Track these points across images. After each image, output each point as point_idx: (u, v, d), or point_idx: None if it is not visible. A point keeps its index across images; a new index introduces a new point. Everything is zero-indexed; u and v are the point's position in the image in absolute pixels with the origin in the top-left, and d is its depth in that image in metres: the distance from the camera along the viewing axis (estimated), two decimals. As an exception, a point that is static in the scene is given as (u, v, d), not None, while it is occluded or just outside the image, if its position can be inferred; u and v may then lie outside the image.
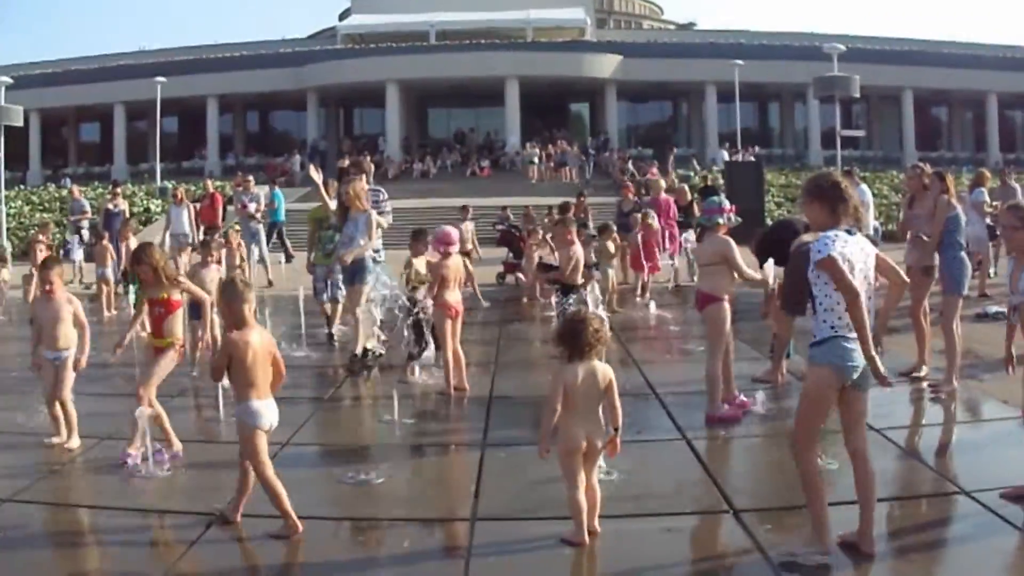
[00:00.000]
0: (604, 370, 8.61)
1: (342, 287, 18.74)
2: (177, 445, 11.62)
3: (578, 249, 19.77)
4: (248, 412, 8.97)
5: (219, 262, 19.61)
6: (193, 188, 47.15)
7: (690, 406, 13.21)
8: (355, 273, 17.13)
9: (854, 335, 7.75)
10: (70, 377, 12.32)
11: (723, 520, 9.19)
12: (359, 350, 16.87)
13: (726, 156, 67.22)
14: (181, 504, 10.04)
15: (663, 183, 33.43)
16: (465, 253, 23.44)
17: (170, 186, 49.32)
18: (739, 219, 13.81)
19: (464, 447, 12.17)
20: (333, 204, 18.35)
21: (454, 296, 15.31)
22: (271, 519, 9.01)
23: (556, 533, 8.65)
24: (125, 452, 11.36)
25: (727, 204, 13.71)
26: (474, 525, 9.18)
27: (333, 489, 10.61)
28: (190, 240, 30.32)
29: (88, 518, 10.04)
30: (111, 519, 9.74)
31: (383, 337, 17.48)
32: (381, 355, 17.11)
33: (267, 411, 9.03)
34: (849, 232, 7.99)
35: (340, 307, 19.82)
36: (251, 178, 36.84)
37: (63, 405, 12.21)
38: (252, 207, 32.90)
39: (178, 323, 11.90)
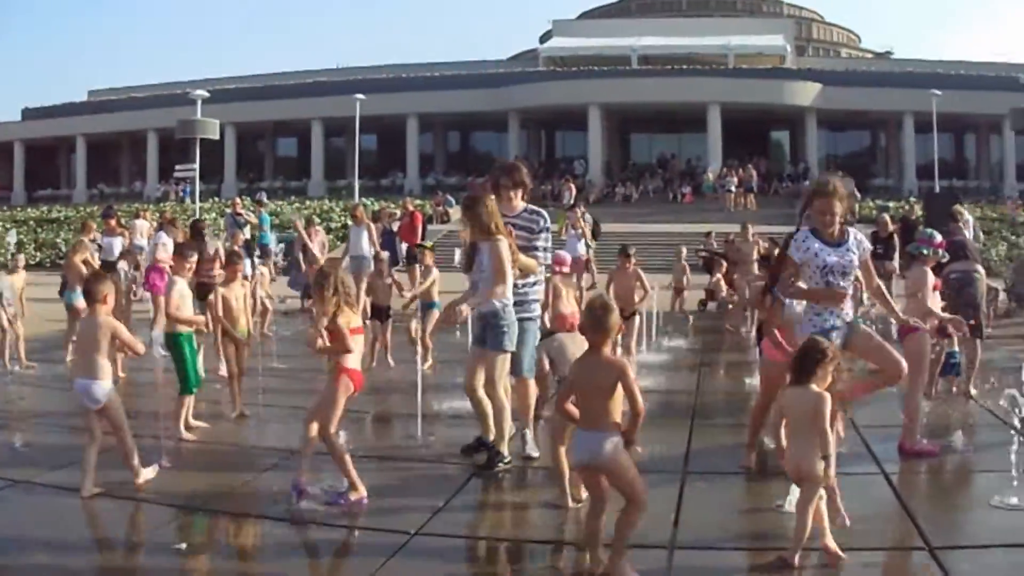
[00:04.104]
0: (813, 397, 8.62)
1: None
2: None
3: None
4: None
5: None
6: (392, 206, 46.46)
7: (889, 439, 12.91)
8: (486, 330, 12.03)
9: None
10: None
11: (917, 556, 9.06)
12: (490, 435, 12.20)
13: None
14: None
15: None
16: None
17: (367, 203, 49.17)
18: (945, 254, 14.52)
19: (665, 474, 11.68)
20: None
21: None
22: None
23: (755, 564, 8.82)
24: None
25: (938, 239, 14.22)
26: (672, 553, 9.08)
27: (549, 514, 10.45)
28: (369, 263, 28.55)
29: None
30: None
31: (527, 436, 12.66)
32: (509, 463, 12.09)
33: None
34: None
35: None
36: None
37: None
38: None
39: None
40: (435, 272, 20.72)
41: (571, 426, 9.50)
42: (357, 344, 10.94)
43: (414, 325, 19.87)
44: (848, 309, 10.77)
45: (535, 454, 12.36)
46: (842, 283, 10.64)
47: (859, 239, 10.79)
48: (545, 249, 12.99)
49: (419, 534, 9.55)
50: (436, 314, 19.62)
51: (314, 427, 10.72)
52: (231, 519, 10.42)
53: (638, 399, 8.32)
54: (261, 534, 10.09)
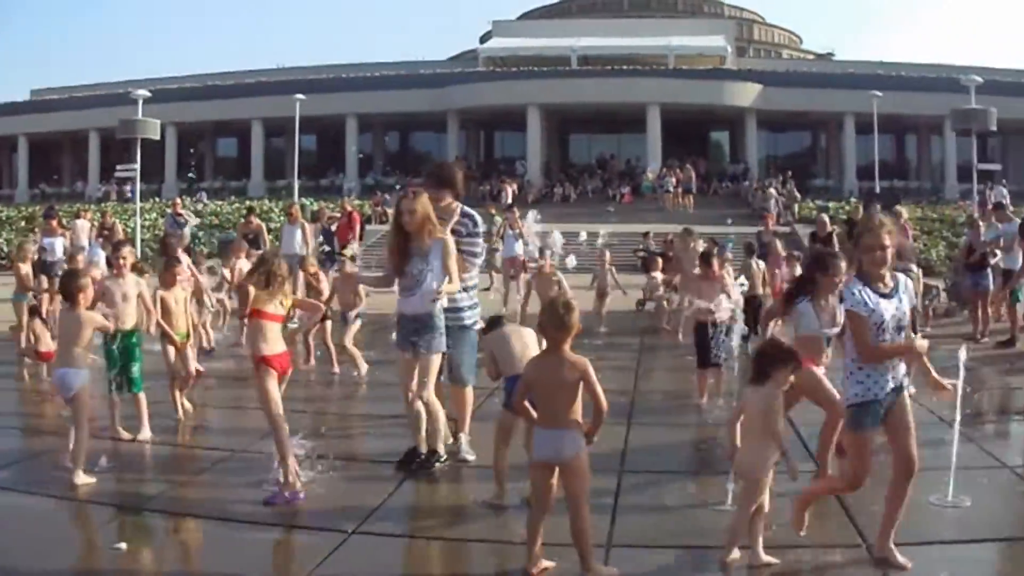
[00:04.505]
0: (765, 395, 8.75)
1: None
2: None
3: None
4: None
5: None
6: (331, 207, 46.30)
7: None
8: (421, 332, 11.57)
9: None
10: None
11: (855, 554, 9.15)
12: (423, 446, 11.86)
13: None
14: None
15: None
16: None
17: (307, 203, 48.98)
18: None
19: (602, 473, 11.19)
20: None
21: None
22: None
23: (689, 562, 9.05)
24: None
25: None
26: (609, 551, 9.09)
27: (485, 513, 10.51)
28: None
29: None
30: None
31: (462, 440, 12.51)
32: (446, 461, 12.01)
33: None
34: None
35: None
36: None
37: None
38: None
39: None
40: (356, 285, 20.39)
41: (518, 426, 9.54)
42: (274, 330, 11.05)
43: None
44: (903, 372, 8.93)
45: (470, 458, 12.18)
46: (898, 339, 8.80)
47: (908, 285, 9.00)
48: (478, 254, 12.86)
49: (356, 533, 9.58)
50: (357, 324, 19.52)
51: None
52: (169, 519, 10.39)
53: (601, 397, 8.38)
54: (198, 534, 10.10)
